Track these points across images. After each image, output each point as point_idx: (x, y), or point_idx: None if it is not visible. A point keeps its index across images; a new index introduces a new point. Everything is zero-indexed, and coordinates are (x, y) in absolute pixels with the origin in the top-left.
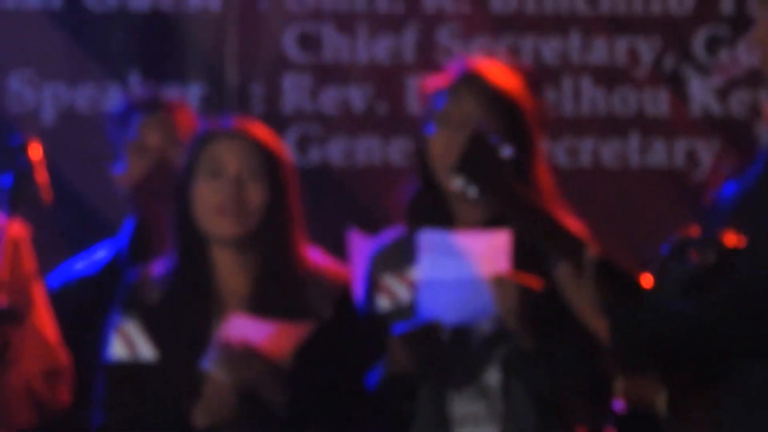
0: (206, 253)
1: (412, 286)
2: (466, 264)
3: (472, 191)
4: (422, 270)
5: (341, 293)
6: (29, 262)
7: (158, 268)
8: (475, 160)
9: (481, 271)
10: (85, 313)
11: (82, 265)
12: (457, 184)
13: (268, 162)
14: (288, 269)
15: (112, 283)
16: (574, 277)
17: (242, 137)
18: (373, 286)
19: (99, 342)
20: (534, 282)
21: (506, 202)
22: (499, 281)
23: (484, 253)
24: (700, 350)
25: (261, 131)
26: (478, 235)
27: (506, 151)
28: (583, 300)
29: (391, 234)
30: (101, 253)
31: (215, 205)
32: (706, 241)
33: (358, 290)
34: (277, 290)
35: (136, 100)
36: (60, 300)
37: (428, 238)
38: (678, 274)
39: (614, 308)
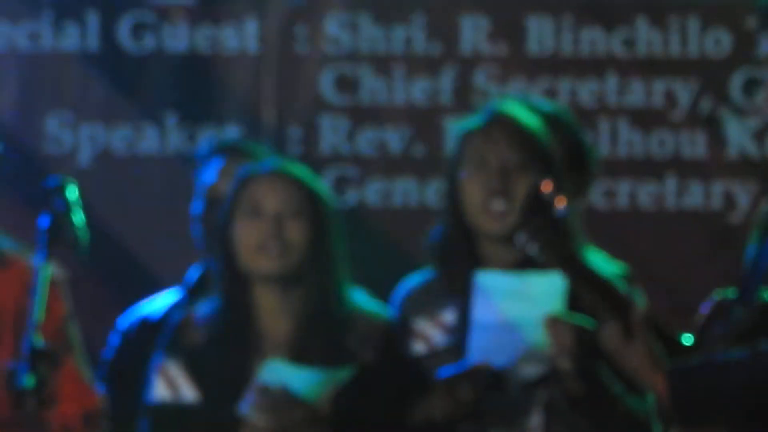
0: (249, 293)
1: (445, 329)
2: (520, 305)
3: (532, 249)
4: (476, 311)
5: (382, 336)
6: (65, 304)
7: (202, 309)
8: (535, 218)
9: (535, 312)
10: (145, 355)
11: (150, 308)
12: (518, 241)
13: (308, 200)
14: (330, 310)
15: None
16: (623, 336)
17: (282, 176)
18: (404, 329)
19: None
20: (588, 323)
21: (563, 261)
22: (553, 322)
23: (538, 294)
24: (760, 399)
25: (300, 170)
26: (533, 276)
27: (560, 208)
28: (633, 359)
29: (418, 276)
30: (169, 297)
31: (256, 243)
32: (746, 300)
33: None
34: (319, 332)
35: (221, 145)
36: (126, 342)
37: (484, 279)
38: (720, 332)
39: (671, 364)
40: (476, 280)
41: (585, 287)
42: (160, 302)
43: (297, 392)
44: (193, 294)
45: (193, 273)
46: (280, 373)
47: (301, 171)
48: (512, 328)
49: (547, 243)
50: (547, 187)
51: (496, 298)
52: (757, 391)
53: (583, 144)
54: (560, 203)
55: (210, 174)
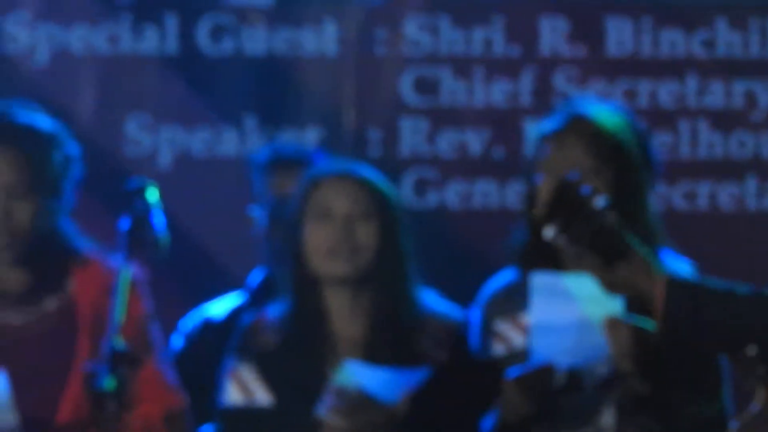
0: (320, 295)
1: (525, 330)
2: (579, 306)
3: (563, 240)
4: (535, 313)
5: (455, 337)
6: (146, 305)
7: (272, 312)
8: (564, 210)
9: (595, 313)
10: (213, 358)
11: (213, 310)
12: (547, 233)
13: (377, 202)
14: (402, 312)
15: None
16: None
17: (350, 178)
18: (485, 331)
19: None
20: (648, 324)
21: (599, 251)
22: (612, 323)
23: (597, 295)
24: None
25: (369, 172)
26: (591, 278)
27: (600, 202)
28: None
29: (502, 278)
30: (232, 300)
31: (326, 246)
32: None
33: (472, 335)
34: (391, 334)
35: (280, 152)
36: (189, 344)
37: (540, 281)
38: None
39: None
40: (533, 282)
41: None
42: (223, 305)
43: (373, 394)
44: (256, 297)
45: (256, 275)
46: (357, 374)
47: (369, 172)
48: (572, 329)
49: (578, 236)
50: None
51: (553, 300)
52: (751, 326)
53: (644, 140)
54: (597, 197)
55: (271, 180)
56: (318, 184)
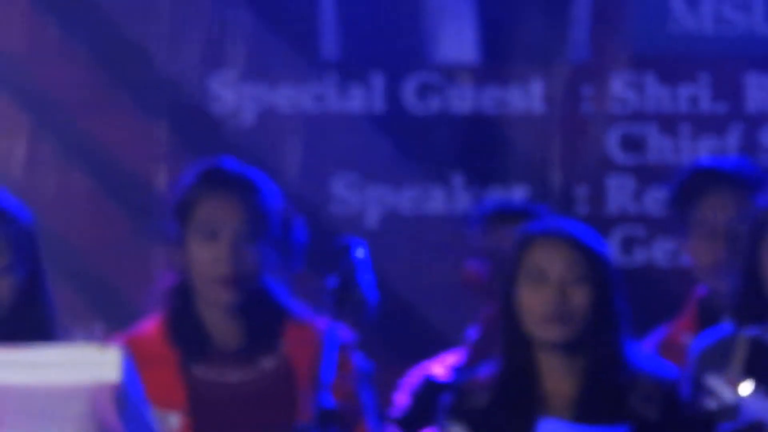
0: (532, 357)
1: (737, 386)
2: None
3: None
4: (747, 368)
5: (665, 394)
6: (355, 365)
7: (484, 371)
8: None
9: None
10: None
11: (434, 369)
12: None
13: (591, 265)
14: (613, 372)
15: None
16: None
17: (563, 241)
18: (696, 386)
19: None
20: None
21: None
22: None
23: None
24: None
25: (583, 231)
26: None
27: None
28: None
29: (715, 333)
30: (452, 359)
31: (541, 312)
32: None
33: (683, 390)
34: (602, 393)
35: (505, 205)
36: (413, 403)
37: (753, 336)
38: None
39: None
40: (745, 337)
41: None
42: (443, 362)
43: None
44: (474, 354)
45: (473, 333)
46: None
47: (583, 232)
48: None
49: None
50: None
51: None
52: None
53: None
54: None
55: (497, 231)
56: (532, 244)
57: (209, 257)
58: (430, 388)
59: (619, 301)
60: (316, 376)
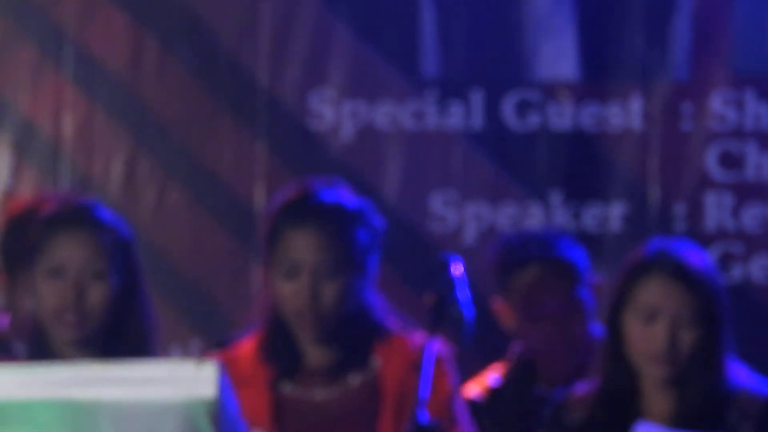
0: (632, 379)
1: None
2: None
3: None
4: None
5: (764, 410)
6: (451, 381)
7: (582, 389)
8: None
9: None
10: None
11: (473, 390)
12: None
13: (705, 303)
14: (713, 391)
15: (501, 406)
16: None
17: (677, 277)
18: None
19: None
20: None
21: None
22: None
23: None
24: None
25: (695, 259)
26: None
27: None
28: None
29: None
30: (490, 377)
31: (650, 350)
32: None
33: None
34: (701, 411)
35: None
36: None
37: None
38: None
39: None
40: None
41: None
42: (482, 382)
43: None
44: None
45: (516, 348)
46: None
47: (695, 259)
48: None
49: None
50: None
51: None
52: None
53: None
54: None
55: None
56: (644, 277)
57: (289, 293)
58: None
59: (728, 334)
60: (409, 393)
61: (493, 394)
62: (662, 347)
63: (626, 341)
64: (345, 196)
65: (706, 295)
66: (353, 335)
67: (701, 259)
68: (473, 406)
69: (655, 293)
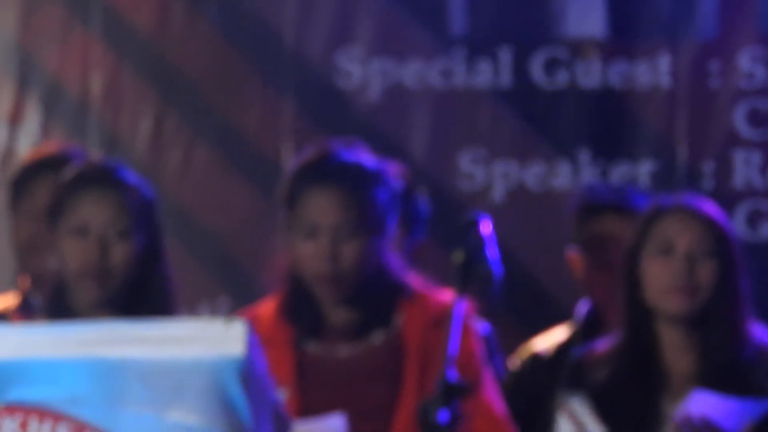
0: (653, 329)
1: None
2: None
3: None
4: None
5: None
6: (478, 338)
7: (603, 345)
8: None
9: None
10: (542, 393)
11: (541, 344)
12: None
13: (718, 240)
14: (736, 348)
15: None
16: None
17: (692, 214)
18: None
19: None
20: None
21: None
22: None
23: None
24: None
25: (710, 208)
26: None
27: None
28: None
29: None
30: (558, 334)
31: (666, 283)
32: None
33: None
34: (724, 369)
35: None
36: (519, 378)
37: None
38: None
39: None
40: None
41: None
42: (550, 338)
43: (719, 424)
44: (585, 329)
45: (582, 307)
46: (702, 403)
47: (710, 207)
48: None
49: None
50: None
51: None
52: None
53: None
54: None
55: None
56: (661, 216)
57: (309, 254)
58: (536, 363)
59: (744, 279)
60: (432, 350)
61: (559, 349)
62: (680, 278)
63: (645, 281)
64: (364, 156)
65: (722, 234)
66: (375, 295)
67: (717, 210)
68: (539, 360)
69: (671, 227)
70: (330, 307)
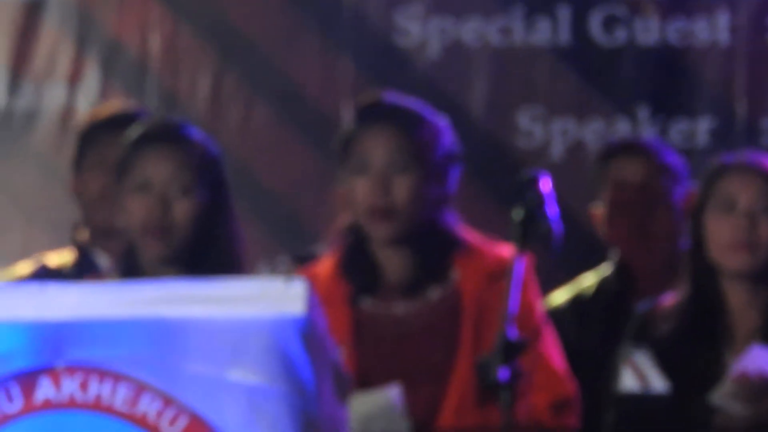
0: (716, 286)
1: None
2: None
3: None
4: None
5: None
6: (536, 294)
7: (668, 300)
8: None
9: None
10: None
11: (564, 294)
12: None
13: None
14: None
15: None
16: None
17: (754, 172)
18: None
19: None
20: None
21: None
22: None
23: None
24: None
25: None
26: None
27: None
28: None
29: None
30: (586, 283)
31: (729, 240)
32: None
33: None
34: None
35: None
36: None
37: None
38: None
39: None
40: None
41: None
42: (589, 279)
43: None
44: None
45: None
46: (760, 359)
47: None
48: None
49: None
50: None
51: None
52: None
53: None
54: None
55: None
56: (723, 173)
57: (361, 189)
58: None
59: None
60: (489, 305)
61: (584, 300)
62: (741, 235)
63: (708, 238)
64: (421, 106)
65: None
66: (430, 247)
67: None
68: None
69: (733, 185)
70: (387, 259)
